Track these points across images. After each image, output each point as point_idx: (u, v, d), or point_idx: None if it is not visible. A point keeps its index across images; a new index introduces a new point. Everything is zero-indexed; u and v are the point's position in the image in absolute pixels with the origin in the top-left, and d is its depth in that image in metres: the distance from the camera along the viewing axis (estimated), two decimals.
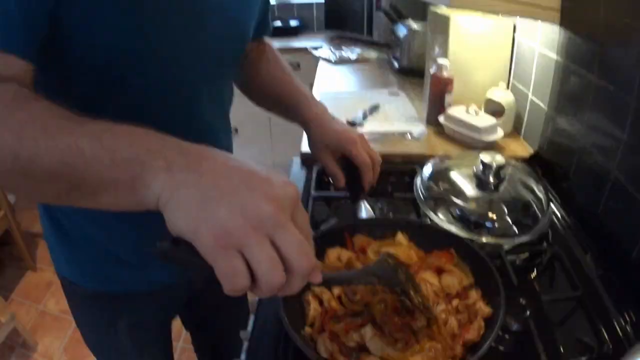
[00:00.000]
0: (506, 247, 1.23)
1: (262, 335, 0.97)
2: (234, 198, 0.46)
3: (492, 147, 1.65)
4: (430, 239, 1.16)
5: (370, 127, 1.86)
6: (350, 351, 0.93)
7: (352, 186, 1.17)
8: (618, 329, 1.00)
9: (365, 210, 1.36)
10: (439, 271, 1.09)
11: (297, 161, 1.60)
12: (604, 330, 1.00)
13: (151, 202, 0.47)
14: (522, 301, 1.11)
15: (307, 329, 0.91)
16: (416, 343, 0.93)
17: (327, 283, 0.86)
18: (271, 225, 0.46)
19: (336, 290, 0.95)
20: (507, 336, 1.01)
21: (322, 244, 0.98)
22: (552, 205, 1.28)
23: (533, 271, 1.25)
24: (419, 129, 1.81)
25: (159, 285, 1.02)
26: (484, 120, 1.67)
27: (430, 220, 1.22)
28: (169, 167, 0.47)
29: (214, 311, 1.34)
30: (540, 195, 1.31)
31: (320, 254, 0.99)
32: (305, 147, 1.54)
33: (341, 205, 1.39)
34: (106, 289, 0.97)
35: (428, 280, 1.05)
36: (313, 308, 0.95)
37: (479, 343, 0.93)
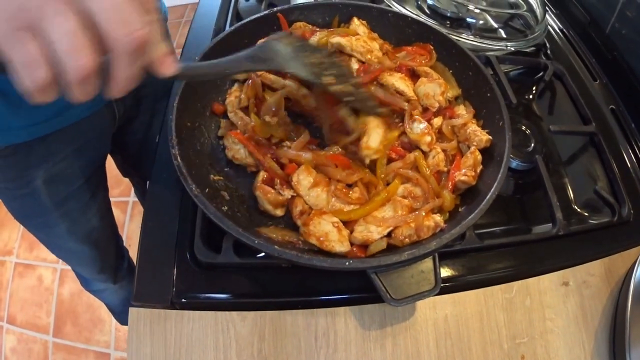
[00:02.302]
0: (495, 54, 0.91)
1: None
2: None
3: None
4: (395, 32, 0.81)
5: None
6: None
7: None
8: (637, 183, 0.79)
9: None
10: (412, 76, 0.73)
11: None
12: (621, 184, 0.77)
13: None
14: (525, 129, 0.77)
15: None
16: (380, 186, 0.59)
17: (186, 76, 0.54)
18: None
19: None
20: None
21: (249, 34, 0.75)
22: (547, 17, 1.07)
23: (531, 91, 0.90)
24: None
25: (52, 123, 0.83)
26: None
27: None
28: None
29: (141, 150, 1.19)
30: (532, 0, 1.03)
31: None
32: None
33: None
34: (6, 141, 0.81)
35: (396, 87, 0.66)
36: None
37: (477, 189, 0.60)
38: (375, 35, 0.78)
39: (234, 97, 0.71)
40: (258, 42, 0.70)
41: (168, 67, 0.45)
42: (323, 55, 0.59)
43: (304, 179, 0.60)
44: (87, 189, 0.98)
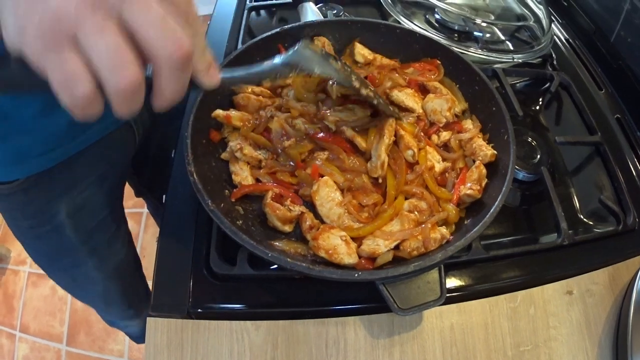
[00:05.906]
0: (502, 66, 0.92)
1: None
2: None
3: None
4: (403, 48, 0.82)
5: None
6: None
7: None
8: None
9: (312, 14, 0.94)
10: (423, 91, 0.74)
11: None
12: (626, 192, 0.78)
13: None
14: (532, 140, 0.79)
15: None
16: (386, 203, 0.61)
17: (230, 82, 0.57)
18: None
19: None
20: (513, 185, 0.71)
21: (260, 51, 0.77)
22: (553, 27, 1.08)
23: (537, 102, 0.91)
24: None
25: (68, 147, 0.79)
26: None
27: None
28: None
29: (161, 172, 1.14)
30: (538, 11, 1.04)
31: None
32: None
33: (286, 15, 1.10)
34: (25, 172, 0.77)
35: (405, 105, 0.68)
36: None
37: (482, 202, 0.62)
38: (379, 56, 0.79)
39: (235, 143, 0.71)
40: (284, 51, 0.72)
41: (212, 78, 0.46)
42: (343, 64, 0.63)
43: (322, 189, 0.62)
44: (112, 220, 0.96)
